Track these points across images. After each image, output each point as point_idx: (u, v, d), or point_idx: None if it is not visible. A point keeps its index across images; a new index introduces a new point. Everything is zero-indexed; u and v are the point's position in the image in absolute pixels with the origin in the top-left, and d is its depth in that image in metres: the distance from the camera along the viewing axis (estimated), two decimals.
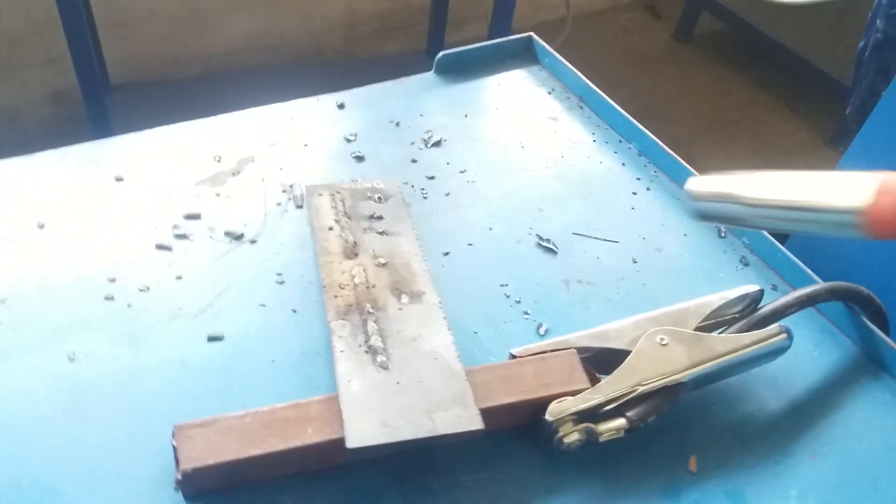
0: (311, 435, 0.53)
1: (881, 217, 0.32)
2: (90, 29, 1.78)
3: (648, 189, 0.88)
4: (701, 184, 0.47)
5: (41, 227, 0.71)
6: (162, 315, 0.65)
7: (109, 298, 0.66)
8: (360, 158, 0.85)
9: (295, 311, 0.67)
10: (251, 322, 0.66)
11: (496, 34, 1.96)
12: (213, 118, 0.85)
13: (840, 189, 0.35)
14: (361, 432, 0.52)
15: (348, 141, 0.87)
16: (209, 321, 0.65)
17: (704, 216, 0.50)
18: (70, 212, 0.73)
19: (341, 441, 0.52)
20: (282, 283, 0.70)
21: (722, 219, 0.49)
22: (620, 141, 0.94)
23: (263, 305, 0.68)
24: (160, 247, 0.71)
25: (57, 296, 0.66)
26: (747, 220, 0.45)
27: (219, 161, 0.81)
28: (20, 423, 0.56)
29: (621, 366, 0.60)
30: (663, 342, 0.62)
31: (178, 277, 0.69)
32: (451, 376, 0.57)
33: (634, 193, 0.87)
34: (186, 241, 0.72)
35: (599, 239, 0.80)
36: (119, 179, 0.77)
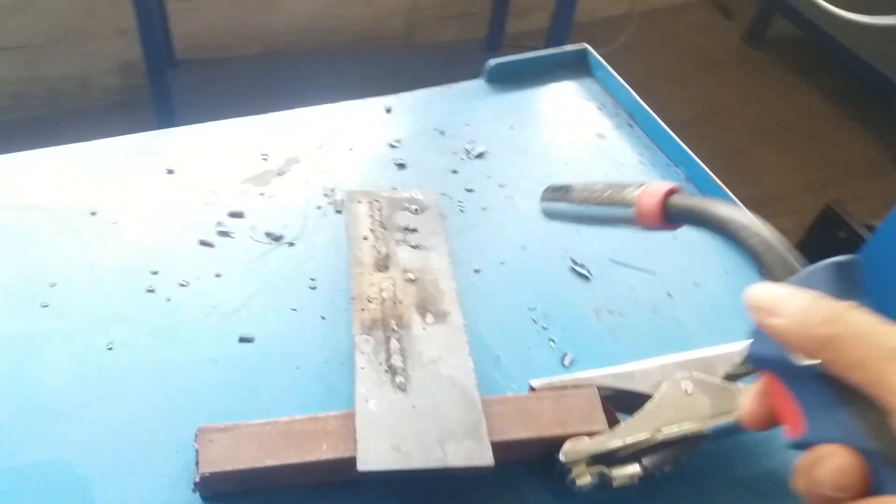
0: (326, 451, 0.54)
1: (642, 211, 0.45)
2: (159, 3, 1.83)
3: None
4: (549, 187, 0.56)
5: (93, 214, 0.74)
6: (198, 312, 0.68)
7: (151, 291, 0.69)
8: (401, 166, 0.85)
9: (324, 319, 0.69)
10: (281, 326, 0.68)
11: (557, 27, 1.94)
12: (263, 116, 0.87)
13: (627, 190, 0.46)
14: (373, 455, 0.53)
15: (392, 147, 0.87)
16: (242, 321, 0.68)
17: (547, 214, 0.56)
18: (122, 201, 0.76)
19: (354, 460, 0.54)
20: (314, 288, 0.72)
21: (557, 216, 0.55)
22: (668, 164, 0.92)
23: (295, 310, 0.70)
24: (203, 243, 0.73)
25: (103, 284, 0.69)
26: (572, 215, 0.53)
27: (266, 160, 0.83)
28: (58, 408, 0.59)
29: (641, 410, 0.60)
30: (688, 390, 0.61)
31: (217, 275, 0.71)
32: (468, 405, 0.58)
33: None
34: (228, 238, 0.74)
35: (635, 268, 0.79)
36: (170, 172, 0.80)
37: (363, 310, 0.66)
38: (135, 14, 1.56)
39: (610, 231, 0.83)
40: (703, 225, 0.41)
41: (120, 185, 0.78)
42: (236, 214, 0.76)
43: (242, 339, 0.66)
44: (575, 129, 0.95)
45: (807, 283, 0.35)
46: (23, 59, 1.97)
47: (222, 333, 0.66)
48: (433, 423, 0.56)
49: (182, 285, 0.69)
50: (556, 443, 0.58)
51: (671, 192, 0.43)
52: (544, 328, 0.72)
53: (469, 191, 0.84)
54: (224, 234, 0.75)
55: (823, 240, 1.90)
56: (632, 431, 0.59)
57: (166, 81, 1.66)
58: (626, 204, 0.46)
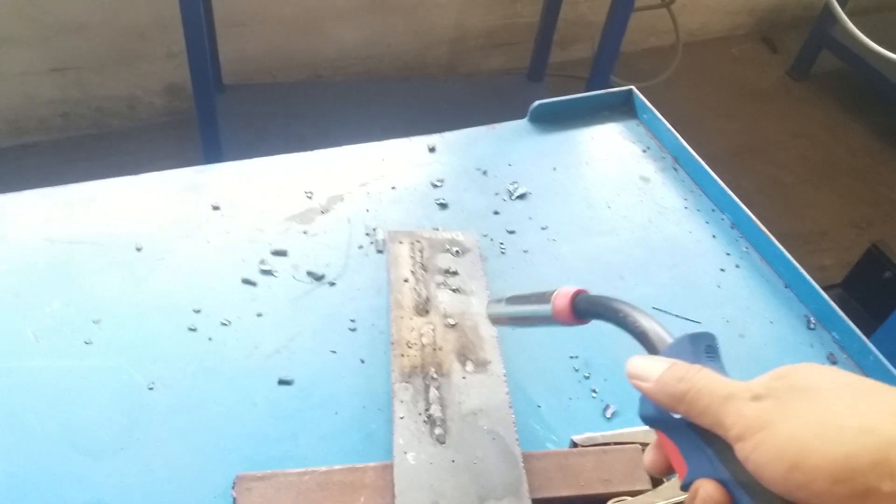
0: None
1: (556, 309, 0.51)
2: (208, 27, 1.86)
3: (738, 267, 0.85)
4: (490, 299, 0.64)
5: (139, 250, 0.75)
6: (239, 352, 0.68)
7: (193, 330, 0.69)
8: (443, 206, 0.85)
9: (363, 362, 0.69)
10: (321, 368, 0.68)
11: (602, 59, 1.93)
12: (308, 153, 0.88)
13: (546, 293, 0.53)
14: None
15: (434, 186, 0.87)
16: (282, 363, 0.68)
17: (491, 320, 0.62)
18: (167, 237, 0.77)
19: None
20: (354, 329, 0.72)
21: (498, 319, 0.61)
22: (713, 210, 0.91)
23: (334, 352, 0.69)
24: (246, 281, 0.74)
25: (146, 321, 0.69)
26: (508, 316, 0.59)
27: (310, 197, 0.84)
28: (98, 448, 0.60)
29: None
30: None
31: (259, 315, 0.71)
32: (508, 461, 0.57)
33: (722, 270, 0.84)
34: (271, 277, 0.75)
35: (680, 317, 0.78)
36: (216, 208, 0.81)
37: (403, 355, 0.65)
38: (184, 37, 1.59)
39: (653, 277, 0.82)
40: (602, 317, 0.49)
41: (166, 220, 0.79)
42: (279, 253, 0.77)
43: (282, 382, 0.66)
44: (618, 171, 0.94)
45: (672, 352, 0.43)
46: (74, 80, 2.03)
47: (262, 375, 0.66)
48: (473, 478, 0.55)
49: (224, 324, 0.70)
50: (598, 501, 0.57)
51: (578, 293, 0.52)
52: (586, 377, 0.71)
53: (510, 232, 0.84)
54: (267, 272, 0.75)
55: (868, 280, 1.85)
56: (676, 491, 0.57)
57: (213, 105, 1.69)
58: (546, 303, 0.53)
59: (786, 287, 0.83)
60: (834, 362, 0.76)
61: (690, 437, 0.40)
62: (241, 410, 0.64)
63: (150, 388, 0.64)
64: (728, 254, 0.86)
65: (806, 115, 2.56)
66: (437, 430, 0.59)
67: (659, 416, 0.43)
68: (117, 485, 0.58)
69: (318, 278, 0.75)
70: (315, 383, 0.67)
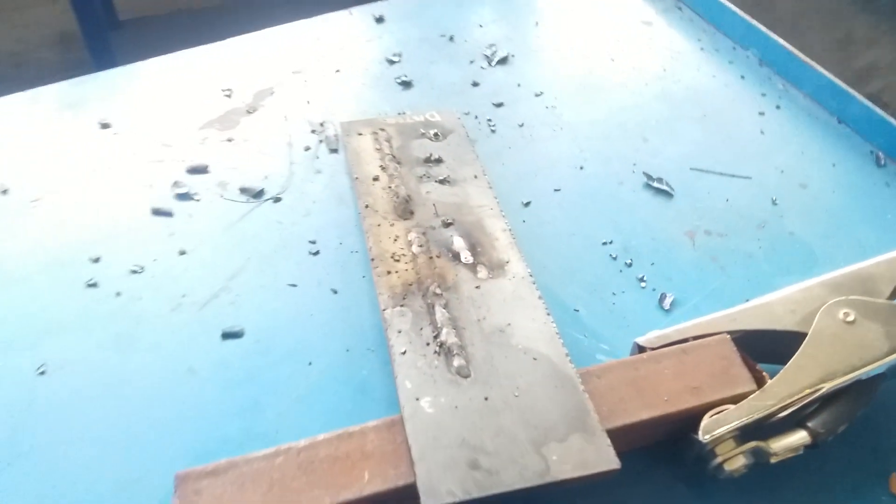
0: (370, 482, 0.36)
1: None
2: None
3: (778, 108, 0.68)
4: None
5: (5, 192, 0.55)
6: (160, 306, 0.49)
7: (92, 285, 0.50)
8: (406, 84, 0.66)
9: (335, 292, 0.51)
10: (279, 309, 0.50)
11: None
12: (220, 43, 0.68)
13: None
14: (442, 482, 0.35)
15: (390, 63, 0.68)
16: (223, 311, 0.49)
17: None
18: (43, 172, 0.57)
19: (412, 488, 0.36)
20: (316, 253, 0.53)
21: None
22: (735, 48, 0.73)
23: (294, 286, 0.51)
24: (157, 212, 0.55)
25: (24, 284, 0.50)
26: None
27: (229, 96, 0.64)
28: None
29: (796, 355, 0.43)
30: (849, 318, 0.45)
31: (182, 252, 0.52)
32: (562, 385, 0.40)
33: (762, 114, 0.67)
34: (191, 202, 0.56)
35: (726, 175, 0.61)
36: (105, 126, 0.60)
37: (389, 272, 0.47)
38: None
39: (683, 134, 0.65)
40: None
41: (39, 150, 0.58)
42: (198, 170, 0.57)
43: (227, 335, 0.48)
44: (613, 18, 0.76)
45: None
46: None
47: (197, 331, 0.48)
48: (519, 418, 0.38)
49: (134, 272, 0.51)
50: (690, 418, 0.41)
51: None
52: (628, 265, 0.54)
53: (498, 105, 0.65)
54: (184, 196, 0.56)
55: None
56: (789, 386, 0.42)
57: (107, 44, 1.45)
58: None
59: (840, 122, 0.67)
60: None
61: None
62: (175, 382, 0.45)
63: (41, 373, 0.45)
64: (763, 94, 0.69)
65: None
66: (457, 362, 0.41)
67: None
68: None
69: (257, 195, 0.56)
70: (274, 329, 0.48)
